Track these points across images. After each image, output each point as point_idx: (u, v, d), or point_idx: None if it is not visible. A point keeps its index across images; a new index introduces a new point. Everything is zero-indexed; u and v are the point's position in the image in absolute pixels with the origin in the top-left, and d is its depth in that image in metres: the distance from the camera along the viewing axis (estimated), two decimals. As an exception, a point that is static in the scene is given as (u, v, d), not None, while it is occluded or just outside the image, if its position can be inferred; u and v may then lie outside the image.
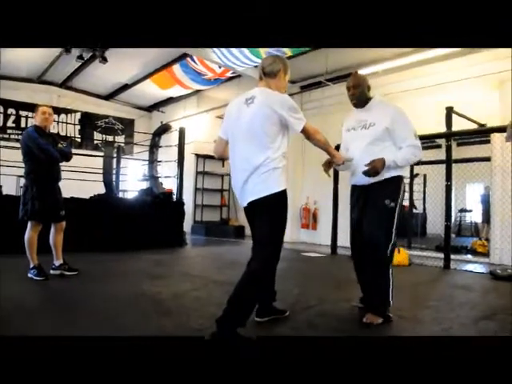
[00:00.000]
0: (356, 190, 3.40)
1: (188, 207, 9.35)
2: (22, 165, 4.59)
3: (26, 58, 10.06)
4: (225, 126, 2.98)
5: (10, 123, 11.89)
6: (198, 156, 11.96)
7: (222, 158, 3.30)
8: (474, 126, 6.88)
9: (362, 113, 3.34)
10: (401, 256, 6.35)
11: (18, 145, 4.86)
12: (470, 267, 6.45)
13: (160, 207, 8.22)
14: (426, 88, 7.64)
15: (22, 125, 11.85)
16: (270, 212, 2.73)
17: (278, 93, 2.80)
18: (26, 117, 11.86)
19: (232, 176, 2.92)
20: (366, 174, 3.12)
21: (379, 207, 3.14)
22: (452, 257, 6.39)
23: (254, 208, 2.79)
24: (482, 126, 6.87)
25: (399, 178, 3.21)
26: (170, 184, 9.77)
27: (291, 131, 2.81)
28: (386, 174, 3.14)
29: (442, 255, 6.42)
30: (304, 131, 2.77)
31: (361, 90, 3.30)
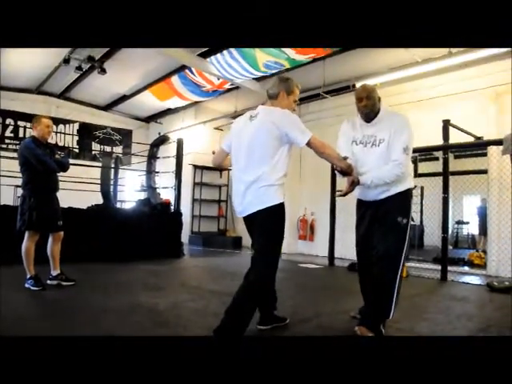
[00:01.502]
0: (363, 204, 3.34)
1: (185, 218, 9.33)
2: (20, 175, 4.60)
3: (25, 68, 10.08)
4: (228, 140, 3.07)
5: (8, 133, 11.86)
6: (195, 167, 11.97)
7: (220, 168, 3.36)
8: (470, 139, 6.92)
9: (369, 127, 3.20)
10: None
11: (15, 155, 4.87)
12: (466, 279, 6.46)
13: (158, 218, 8.22)
14: (422, 101, 7.69)
15: (20, 135, 11.83)
16: (266, 225, 2.78)
17: (279, 109, 2.86)
18: (24, 127, 11.85)
19: (233, 188, 2.99)
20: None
21: (392, 224, 3.10)
22: (449, 268, 6.40)
23: (251, 220, 2.85)
24: (478, 138, 6.91)
25: (408, 192, 3.18)
26: (167, 195, 9.76)
27: (296, 145, 2.83)
28: (395, 189, 3.11)
29: (439, 267, 6.42)
30: (310, 145, 2.76)
31: (373, 101, 3.15)
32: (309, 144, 2.75)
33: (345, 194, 3.20)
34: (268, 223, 2.77)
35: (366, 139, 3.20)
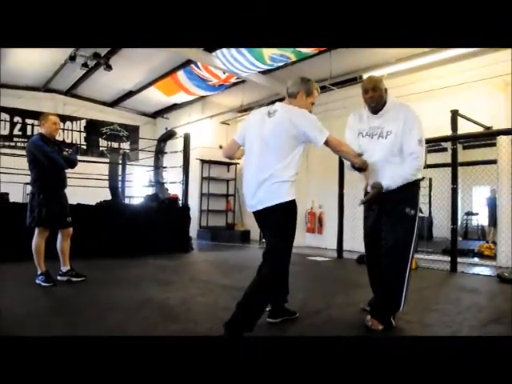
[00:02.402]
0: None
1: (194, 212, 9.36)
2: (29, 172, 4.63)
3: (32, 66, 10.14)
4: (242, 132, 3.05)
5: (16, 131, 11.97)
6: (203, 161, 11.98)
7: (229, 159, 3.34)
8: (479, 129, 6.86)
9: (376, 119, 3.17)
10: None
11: (24, 152, 4.90)
12: (476, 270, 6.42)
13: (166, 213, 8.25)
14: (430, 91, 7.62)
15: (28, 133, 11.93)
16: (278, 220, 2.81)
17: (298, 108, 2.90)
18: (32, 125, 11.93)
19: (244, 183, 2.98)
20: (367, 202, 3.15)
21: (400, 215, 3.08)
22: (459, 260, 6.37)
23: (262, 215, 2.87)
24: (487, 128, 6.84)
25: (416, 183, 3.15)
26: (175, 190, 9.79)
27: (314, 144, 2.87)
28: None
29: (448, 258, 6.40)
30: (327, 143, 2.82)
31: (379, 92, 3.13)
32: (326, 143, 2.80)
33: (369, 202, 3.18)
34: (280, 219, 2.80)
35: (372, 131, 3.18)
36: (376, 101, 3.14)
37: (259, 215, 2.91)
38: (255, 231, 11.23)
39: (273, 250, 2.83)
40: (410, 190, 3.12)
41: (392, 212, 3.14)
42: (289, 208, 2.79)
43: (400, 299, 3.08)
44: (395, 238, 3.08)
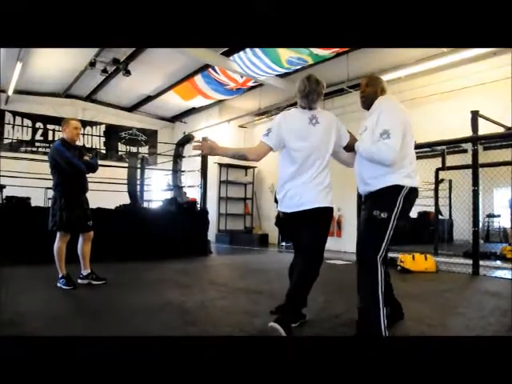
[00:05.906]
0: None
1: (212, 216, 9.38)
2: (50, 177, 4.70)
3: (52, 73, 10.32)
4: (277, 138, 2.98)
5: (38, 136, 12.22)
6: (221, 165, 12.02)
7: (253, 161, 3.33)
8: (500, 130, 6.74)
9: (368, 116, 3.05)
10: (428, 262, 6.30)
11: (46, 157, 4.98)
12: (499, 273, 6.30)
13: (184, 216, 8.29)
14: (450, 92, 7.54)
15: (50, 138, 12.17)
16: (327, 222, 3.09)
17: (329, 112, 3.14)
18: (54, 130, 12.17)
19: (291, 182, 3.01)
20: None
21: (369, 218, 2.87)
22: (481, 263, 6.25)
23: (307, 215, 2.96)
24: (509, 129, 6.73)
25: (396, 188, 2.84)
26: (193, 193, 9.83)
27: (341, 144, 3.11)
28: (380, 184, 2.88)
29: (470, 261, 6.28)
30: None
31: (371, 89, 3.05)
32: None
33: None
34: (328, 222, 3.09)
35: (361, 129, 3.08)
36: (364, 97, 3.11)
37: (302, 215, 2.96)
38: (273, 235, 11.22)
39: (318, 246, 2.99)
40: (384, 194, 2.88)
41: (364, 216, 2.98)
42: (332, 214, 3.09)
43: (374, 318, 2.68)
44: (358, 243, 3.06)
